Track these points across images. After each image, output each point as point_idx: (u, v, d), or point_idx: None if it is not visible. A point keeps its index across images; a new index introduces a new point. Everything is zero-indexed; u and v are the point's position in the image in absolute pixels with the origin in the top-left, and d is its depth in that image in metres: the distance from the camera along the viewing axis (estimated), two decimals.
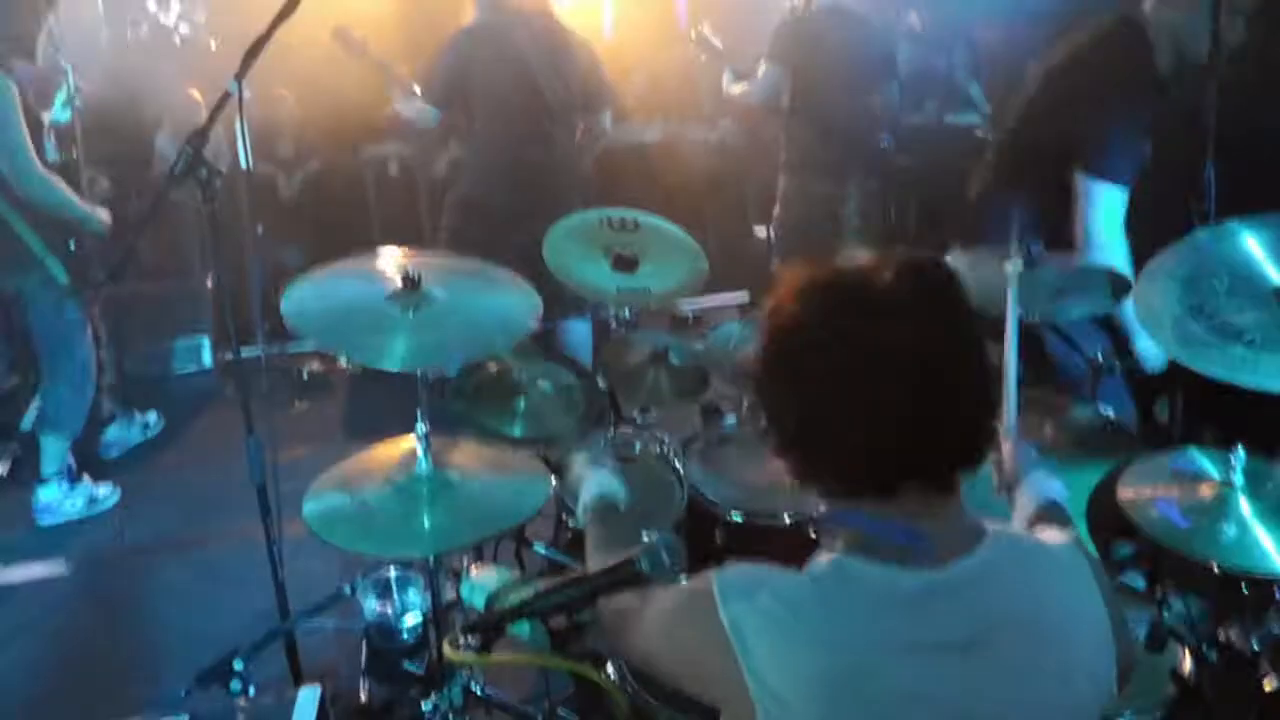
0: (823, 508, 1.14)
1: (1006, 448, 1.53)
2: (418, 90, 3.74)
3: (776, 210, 4.42)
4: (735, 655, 1.01)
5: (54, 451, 3.83)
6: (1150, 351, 2.59)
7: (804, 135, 4.20)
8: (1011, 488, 1.49)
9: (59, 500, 3.83)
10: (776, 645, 1.01)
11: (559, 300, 3.15)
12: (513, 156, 3.66)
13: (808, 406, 1.08)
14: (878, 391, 1.03)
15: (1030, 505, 1.43)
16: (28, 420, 4.46)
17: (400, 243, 2.40)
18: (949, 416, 1.06)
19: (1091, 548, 1.94)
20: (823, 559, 1.09)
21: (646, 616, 1.15)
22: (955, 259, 2.60)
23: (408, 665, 2.44)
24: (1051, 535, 1.19)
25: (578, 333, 3.91)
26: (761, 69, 4.12)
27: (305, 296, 2.13)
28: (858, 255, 1.11)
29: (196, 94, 4.87)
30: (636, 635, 1.16)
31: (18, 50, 3.55)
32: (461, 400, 2.66)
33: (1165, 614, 1.92)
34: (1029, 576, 1.10)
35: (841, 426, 1.06)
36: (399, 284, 2.15)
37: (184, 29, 3.90)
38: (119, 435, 4.26)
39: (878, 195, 4.33)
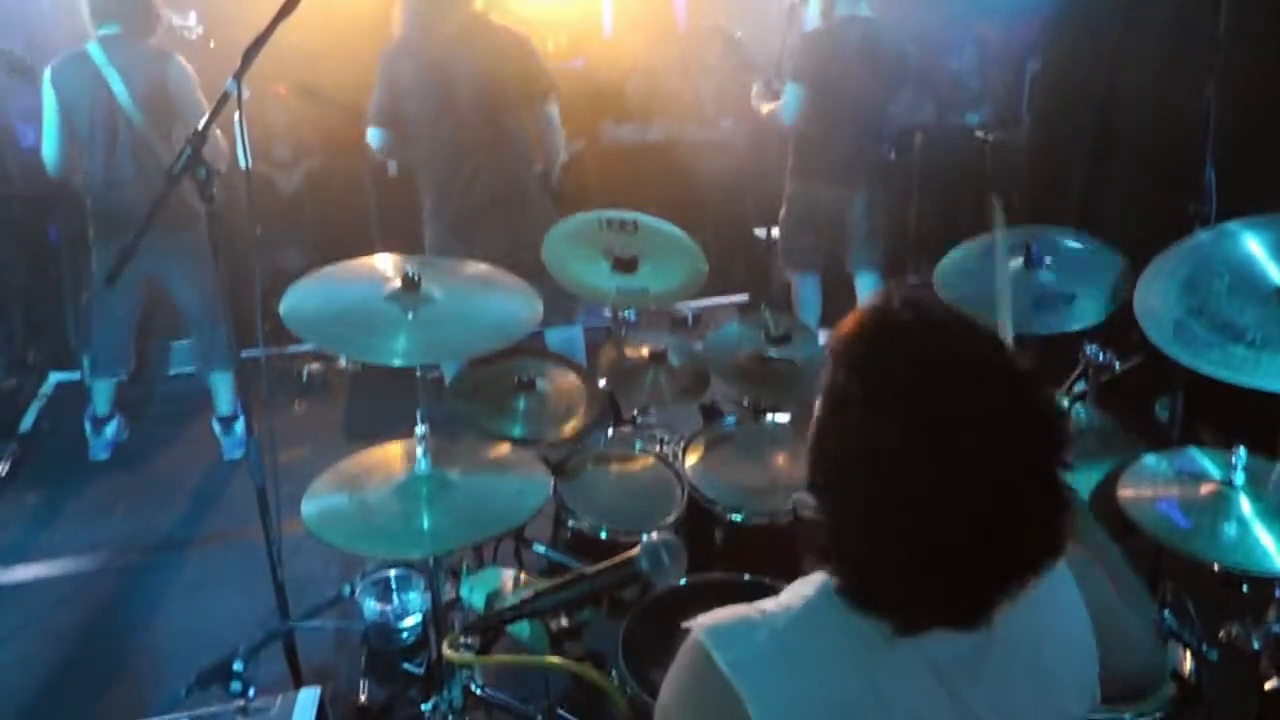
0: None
1: None
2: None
3: (782, 212, 4.42)
4: (743, 701, 0.97)
5: (226, 388, 4.13)
6: None
7: (814, 143, 4.18)
8: None
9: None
10: (783, 682, 0.98)
11: (546, 308, 3.13)
12: (457, 169, 3.52)
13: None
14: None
15: None
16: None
17: (400, 245, 2.39)
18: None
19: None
20: (812, 583, 1.05)
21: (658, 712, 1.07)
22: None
23: (407, 666, 2.44)
24: None
25: (565, 339, 3.85)
26: (788, 89, 4.09)
27: (303, 300, 2.13)
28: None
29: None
30: None
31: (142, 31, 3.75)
32: (461, 400, 2.66)
33: (1165, 614, 1.92)
34: None
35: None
36: (398, 284, 2.15)
37: (199, 29, 3.89)
38: (115, 436, 4.25)
39: (883, 201, 4.32)
